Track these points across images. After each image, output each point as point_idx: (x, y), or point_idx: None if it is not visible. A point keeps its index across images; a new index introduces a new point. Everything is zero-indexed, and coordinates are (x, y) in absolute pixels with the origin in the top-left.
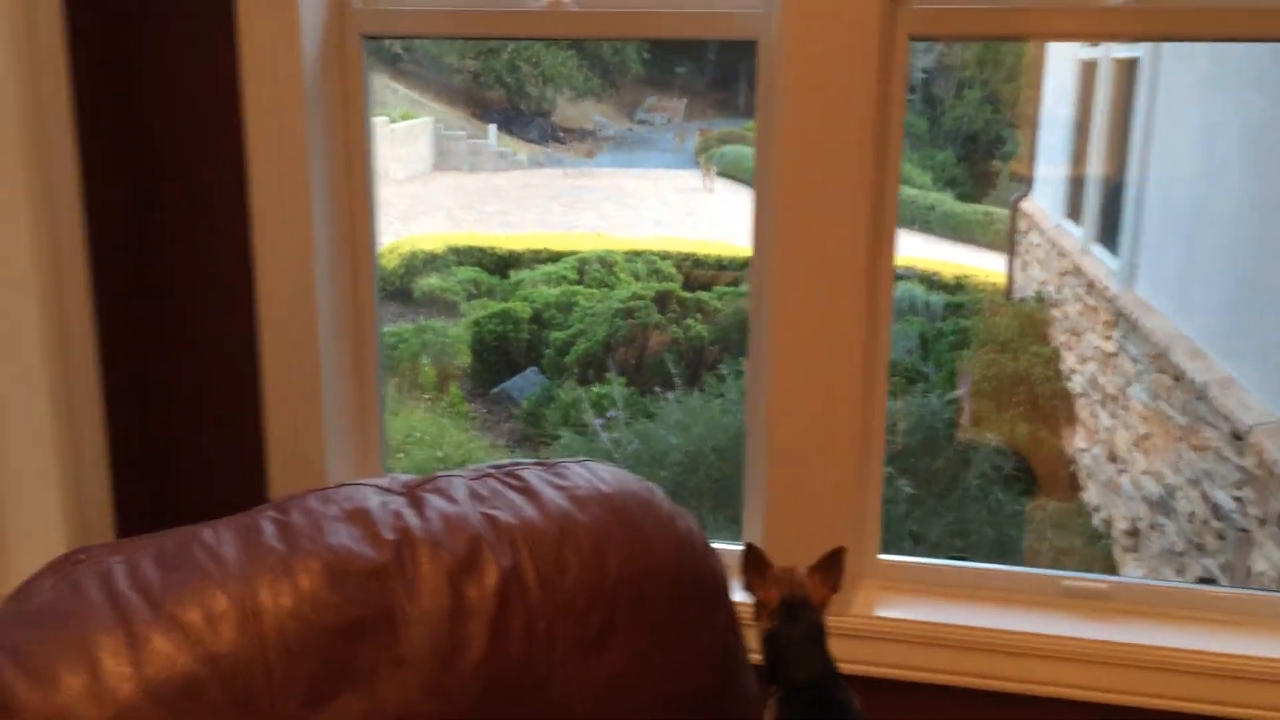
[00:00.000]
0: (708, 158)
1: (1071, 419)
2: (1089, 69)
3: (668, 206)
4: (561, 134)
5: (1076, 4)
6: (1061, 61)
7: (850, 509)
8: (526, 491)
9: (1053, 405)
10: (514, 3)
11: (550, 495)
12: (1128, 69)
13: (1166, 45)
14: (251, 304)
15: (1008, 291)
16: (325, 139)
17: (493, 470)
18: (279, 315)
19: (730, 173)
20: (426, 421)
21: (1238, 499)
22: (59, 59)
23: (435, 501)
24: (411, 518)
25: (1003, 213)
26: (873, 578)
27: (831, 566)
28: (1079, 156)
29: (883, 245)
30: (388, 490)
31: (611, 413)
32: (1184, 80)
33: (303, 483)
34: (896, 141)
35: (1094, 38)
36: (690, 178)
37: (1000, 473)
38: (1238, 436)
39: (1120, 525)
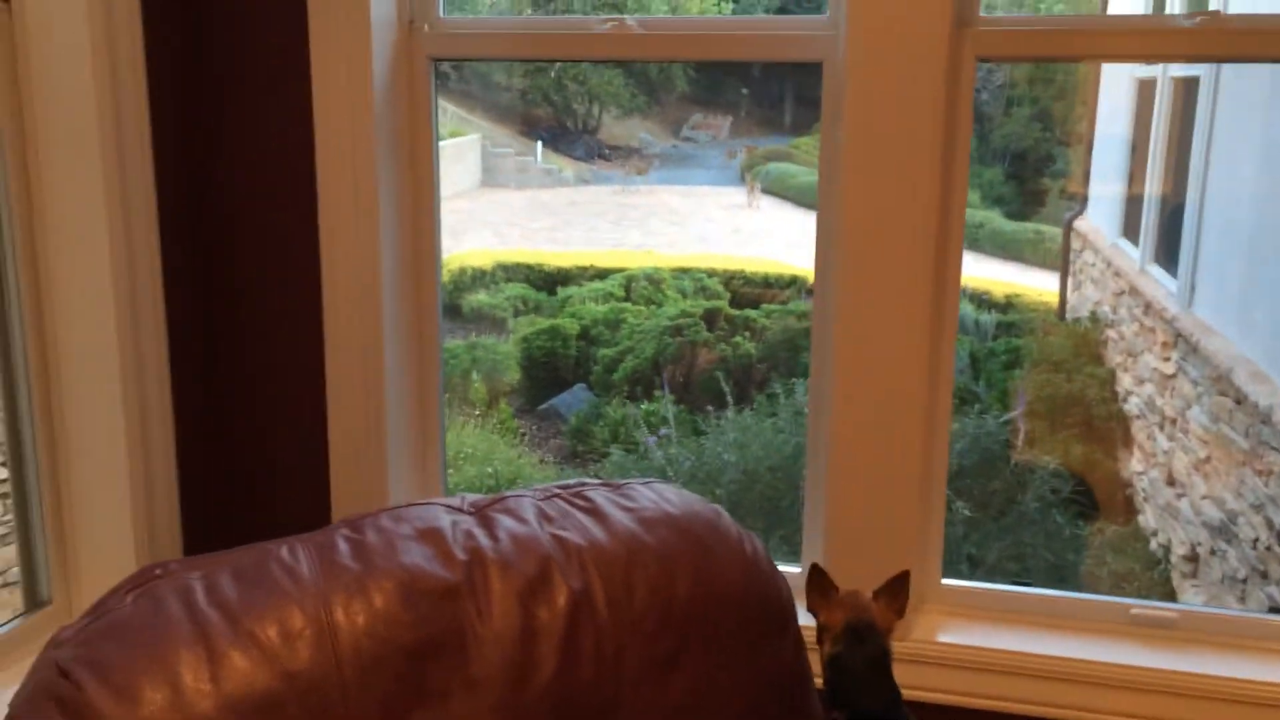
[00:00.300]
0: (753, 175)
1: (1128, 441)
2: (1146, 87)
3: (713, 223)
4: (607, 151)
5: (1145, 26)
6: (1117, 80)
7: (912, 533)
8: (594, 513)
9: (1109, 427)
10: (577, 25)
11: (618, 517)
12: (1187, 88)
13: (1227, 64)
14: (319, 320)
15: (1060, 311)
16: (393, 160)
17: (560, 491)
18: (345, 332)
19: (775, 190)
20: (477, 437)
21: None
22: (139, 76)
23: (505, 522)
24: (482, 538)
25: (1053, 231)
26: (935, 602)
27: (897, 591)
28: (1135, 175)
29: (948, 268)
30: (458, 510)
31: (663, 430)
32: (1246, 99)
33: (365, 497)
34: (963, 163)
35: (1163, 59)
36: (736, 194)
37: (1057, 495)
38: None
39: (1179, 550)
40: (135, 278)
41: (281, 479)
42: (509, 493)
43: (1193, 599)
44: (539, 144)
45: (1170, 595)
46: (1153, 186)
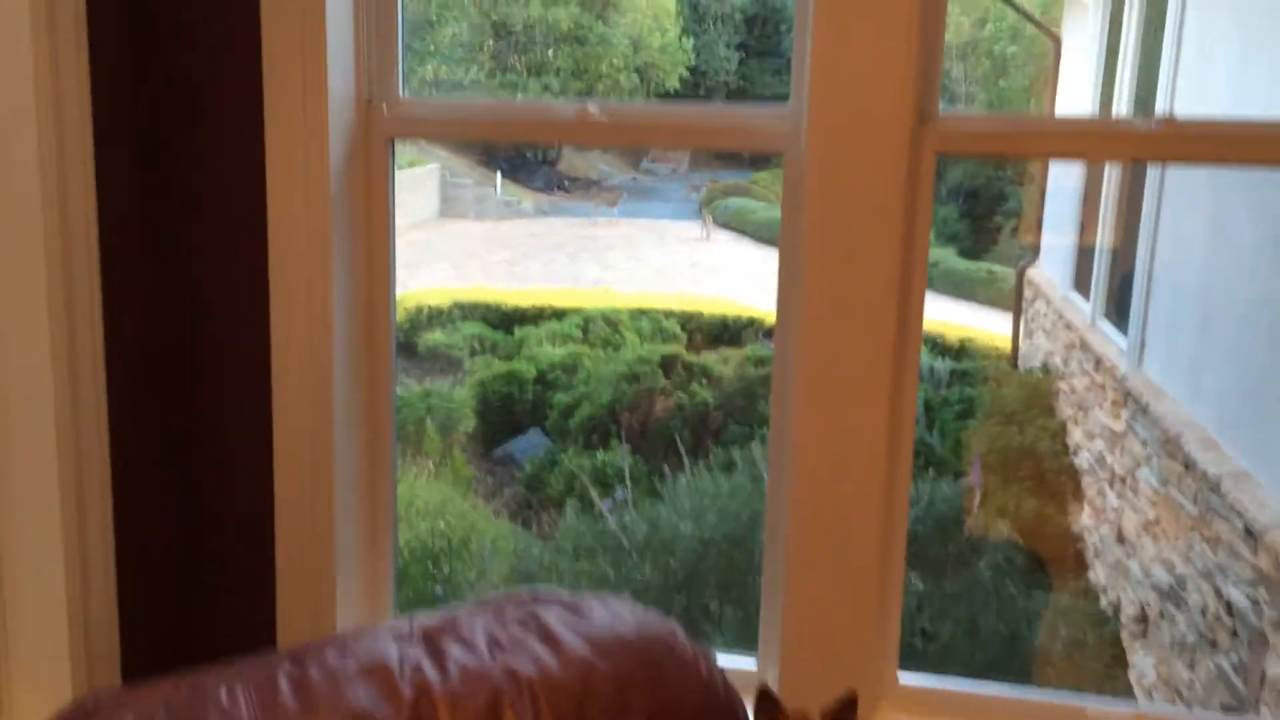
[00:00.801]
0: (711, 209)
1: (1079, 495)
2: None
3: (671, 257)
4: (567, 182)
5: (1102, 129)
6: None
7: (871, 623)
8: (547, 637)
9: (1060, 480)
10: (541, 111)
11: (570, 641)
12: None
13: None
14: (268, 401)
15: (1013, 359)
16: (349, 241)
17: (513, 609)
18: (294, 411)
19: (734, 224)
20: (429, 489)
21: (1252, 599)
22: (86, 135)
23: (454, 651)
24: (430, 670)
25: (1005, 271)
26: (891, 700)
27: (845, 714)
28: (1086, 227)
29: (907, 354)
30: (406, 638)
31: (619, 494)
32: (1195, 171)
33: (311, 585)
34: (922, 254)
35: (1119, 159)
36: (696, 229)
37: (1011, 564)
38: (1250, 533)
39: (1129, 610)
40: (75, 340)
41: (227, 566)
42: (461, 611)
43: (1143, 660)
44: (499, 175)
45: (1121, 656)
46: (1104, 239)
